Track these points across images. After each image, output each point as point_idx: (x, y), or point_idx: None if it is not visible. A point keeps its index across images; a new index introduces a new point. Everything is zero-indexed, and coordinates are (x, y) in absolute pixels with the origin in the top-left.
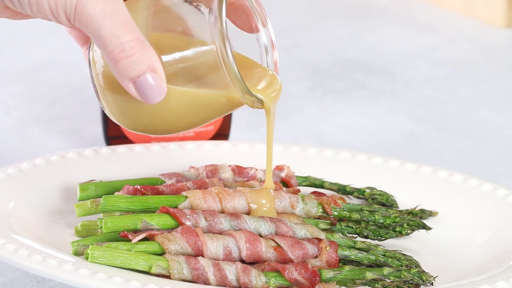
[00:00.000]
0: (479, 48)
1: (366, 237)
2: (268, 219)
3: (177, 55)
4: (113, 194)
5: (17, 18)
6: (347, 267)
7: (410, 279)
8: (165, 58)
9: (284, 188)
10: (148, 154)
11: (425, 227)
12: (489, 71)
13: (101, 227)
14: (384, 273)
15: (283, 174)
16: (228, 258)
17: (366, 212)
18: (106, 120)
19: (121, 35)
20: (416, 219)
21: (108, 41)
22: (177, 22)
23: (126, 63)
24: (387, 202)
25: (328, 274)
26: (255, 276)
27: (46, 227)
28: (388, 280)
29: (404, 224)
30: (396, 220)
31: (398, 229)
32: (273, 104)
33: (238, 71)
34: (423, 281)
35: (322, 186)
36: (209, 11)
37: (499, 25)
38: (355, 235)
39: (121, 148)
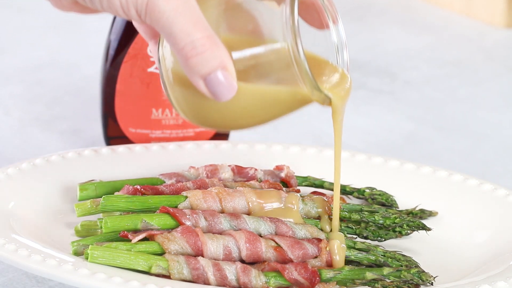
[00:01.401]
0: (478, 48)
1: (366, 237)
2: (268, 219)
3: (247, 52)
4: (113, 194)
5: (86, 12)
6: (347, 267)
7: (410, 279)
8: (236, 55)
9: (284, 188)
10: (148, 154)
11: (424, 228)
12: (488, 71)
13: (101, 227)
14: (384, 273)
15: (283, 174)
16: (228, 258)
17: (366, 212)
18: (106, 120)
19: (192, 32)
20: (416, 220)
21: (179, 38)
22: (248, 19)
23: (197, 61)
24: (387, 202)
25: (328, 274)
26: (255, 276)
27: (46, 227)
28: (388, 280)
29: (404, 225)
30: (395, 221)
31: (397, 229)
32: (342, 103)
33: (308, 67)
34: (423, 281)
35: (322, 186)
36: (282, 8)
37: (498, 25)
38: (355, 236)
39: (121, 148)
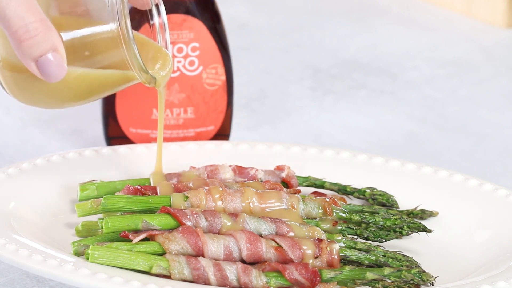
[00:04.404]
0: (479, 48)
1: (367, 238)
2: (269, 219)
3: (78, 34)
4: (113, 194)
5: None
6: (347, 267)
7: (411, 279)
8: (67, 37)
9: (284, 189)
10: (148, 154)
11: (425, 229)
12: (489, 71)
13: (102, 227)
14: (385, 273)
15: (283, 175)
16: (229, 258)
17: (367, 213)
18: (106, 120)
19: (26, 16)
20: (417, 222)
21: (13, 22)
22: (79, 3)
23: (30, 43)
24: (387, 203)
25: (328, 274)
26: (256, 276)
27: (46, 227)
28: (389, 280)
29: (405, 226)
30: (396, 223)
31: (398, 230)
32: (165, 82)
33: (137, 50)
34: (423, 281)
35: (322, 187)
36: None
37: (499, 25)
38: (356, 236)
39: (122, 148)
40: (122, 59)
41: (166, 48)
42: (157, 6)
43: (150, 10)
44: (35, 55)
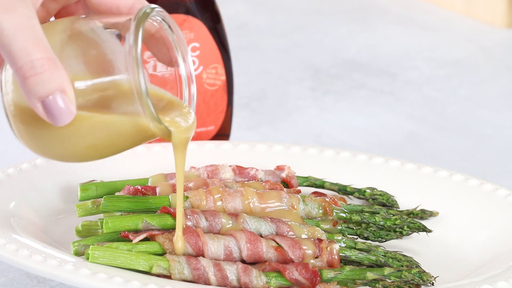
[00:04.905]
0: (479, 48)
1: (367, 238)
2: (269, 219)
3: (90, 79)
4: (113, 194)
5: None
6: (347, 267)
7: (411, 279)
8: (78, 82)
9: (284, 189)
10: (149, 154)
11: (425, 229)
12: (489, 71)
13: (102, 227)
14: (385, 273)
15: (283, 175)
16: (229, 258)
17: (367, 214)
18: None
19: (32, 52)
20: (417, 222)
21: (18, 57)
22: (92, 47)
23: (35, 81)
24: (387, 203)
25: (328, 274)
26: (256, 276)
27: (46, 227)
28: (389, 280)
29: (405, 226)
30: (396, 223)
31: (398, 230)
32: (183, 137)
33: (149, 99)
34: (423, 281)
35: (322, 187)
36: (126, 37)
37: (499, 25)
38: (356, 237)
39: None
40: (136, 110)
41: (190, 103)
42: (183, 58)
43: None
44: (40, 94)
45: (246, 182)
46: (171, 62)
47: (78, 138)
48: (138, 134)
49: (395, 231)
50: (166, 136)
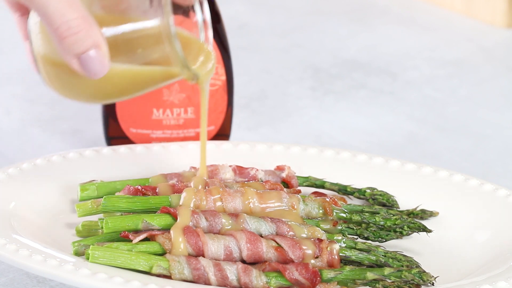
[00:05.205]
0: (479, 48)
1: (367, 238)
2: (269, 219)
3: (120, 29)
4: (114, 194)
5: None
6: (347, 267)
7: (411, 279)
8: (109, 34)
9: (285, 189)
10: (149, 154)
11: (425, 229)
12: (489, 71)
13: (102, 227)
14: (385, 273)
15: (283, 175)
16: (229, 258)
17: (367, 214)
18: (106, 121)
19: (67, 13)
20: (417, 222)
21: (54, 18)
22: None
23: (72, 40)
24: (387, 203)
25: (328, 274)
26: (256, 276)
27: (47, 227)
28: (389, 281)
29: (405, 226)
30: (396, 223)
31: (398, 230)
32: (208, 79)
33: (180, 46)
34: (423, 281)
35: (322, 187)
36: None
37: (499, 25)
38: (356, 237)
39: (122, 149)
40: (164, 55)
41: (209, 45)
42: (200, 2)
43: (192, 6)
44: (77, 52)
45: (246, 182)
46: (185, 1)
47: (109, 86)
48: (165, 78)
49: (395, 231)
50: (193, 80)
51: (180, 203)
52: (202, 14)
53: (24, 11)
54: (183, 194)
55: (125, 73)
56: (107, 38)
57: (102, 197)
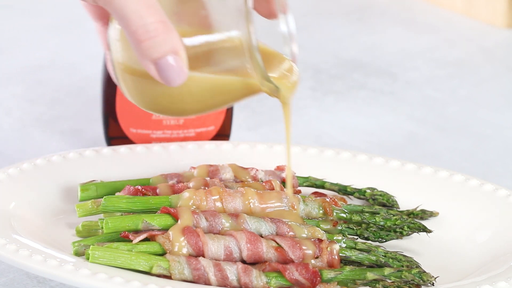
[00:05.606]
0: (479, 49)
1: (367, 238)
2: (269, 219)
3: (200, 39)
4: (114, 194)
5: None
6: (348, 268)
7: (411, 280)
8: (188, 42)
9: (285, 189)
10: (149, 154)
11: (425, 230)
12: (489, 72)
13: (102, 228)
14: (385, 274)
15: (283, 175)
16: (229, 258)
17: (367, 214)
18: (107, 121)
19: (145, 16)
20: (417, 222)
21: (132, 21)
22: (201, 7)
23: (149, 44)
24: (388, 203)
25: (329, 274)
26: (256, 277)
27: (47, 228)
28: (389, 281)
29: (405, 226)
30: (396, 223)
31: (398, 230)
32: (290, 94)
33: (260, 57)
34: (423, 281)
35: (322, 187)
36: None
37: (499, 26)
38: (356, 237)
39: (122, 149)
40: (245, 67)
41: (294, 60)
42: (284, 15)
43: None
44: (154, 57)
45: (246, 182)
46: (270, 15)
47: (186, 95)
48: (245, 91)
49: (395, 232)
50: (274, 93)
51: (180, 204)
52: (287, 28)
53: (106, 21)
54: (183, 194)
55: (205, 84)
56: (186, 45)
57: (102, 197)
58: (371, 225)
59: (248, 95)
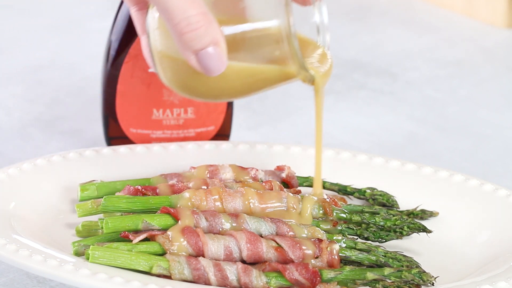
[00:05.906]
0: (479, 49)
1: (367, 238)
2: (269, 219)
3: (238, 28)
4: (114, 194)
5: None
6: (347, 268)
7: (411, 280)
8: (227, 30)
9: (285, 189)
10: (149, 154)
11: (425, 230)
12: (489, 72)
13: (102, 228)
14: (385, 274)
15: (283, 175)
16: (229, 258)
17: (367, 214)
18: (106, 121)
19: (187, 9)
20: (417, 222)
21: (175, 14)
22: None
23: (191, 36)
24: (387, 203)
25: (328, 274)
26: (256, 276)
27: (47, 228)
28: (389, 281)
29: (405, 226)
30: (396, 223)
31: (398, 230)
32: (324, 82)
33: (299, 47)
34: (423, 281)
35: (323, 187)
36: None
37: (499, 26)
38: (356, 237)
39: (122, 149)
40: (282, 55)
41: (327, 48)
42: (319, 4)
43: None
44: (196, 48)
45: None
46: (305, 2)
47: (224, 83)
48: (281, 78)
49: (395, 232)
50: (308, 81)
51: (180, 204)
52: (321, 16)
53: (141, 6)
54: (183, 195)
55: (242, 72)
56: (225, 35)
57: (102, 197)
58: (371, 225)
59: (283, 82)
